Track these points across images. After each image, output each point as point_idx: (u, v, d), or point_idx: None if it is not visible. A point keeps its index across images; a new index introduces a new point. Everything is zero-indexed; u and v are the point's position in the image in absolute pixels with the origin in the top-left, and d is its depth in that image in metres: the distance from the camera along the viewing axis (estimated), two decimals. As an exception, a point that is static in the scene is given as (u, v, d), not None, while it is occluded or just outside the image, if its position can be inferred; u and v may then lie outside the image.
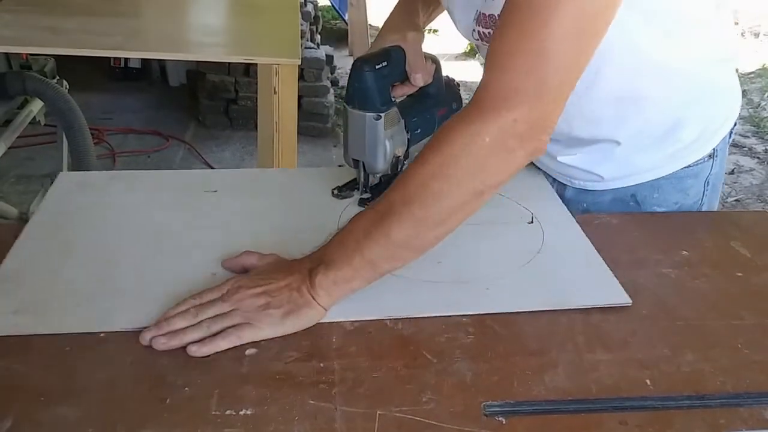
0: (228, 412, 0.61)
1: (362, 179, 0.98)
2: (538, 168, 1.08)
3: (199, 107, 3.65)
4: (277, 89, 1.53)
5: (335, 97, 3.88)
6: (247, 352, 0.69)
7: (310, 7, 4.17)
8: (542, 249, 0.88)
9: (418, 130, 0.99)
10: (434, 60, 0.99)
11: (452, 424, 0.61)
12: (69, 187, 0.98)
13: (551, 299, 0.78)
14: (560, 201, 1.01)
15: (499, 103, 0.68)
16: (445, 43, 5.27)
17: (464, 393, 0.65)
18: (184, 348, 0.68)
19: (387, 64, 0.91)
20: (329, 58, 3.88)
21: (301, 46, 3.46)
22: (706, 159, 0.98)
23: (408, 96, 1.00)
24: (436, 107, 1.02)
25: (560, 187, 1.06)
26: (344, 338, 0.71)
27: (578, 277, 0.82)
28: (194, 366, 0.67)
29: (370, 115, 0.92)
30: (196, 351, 0.68)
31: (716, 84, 0.96)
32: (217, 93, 3.58)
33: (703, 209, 1.02)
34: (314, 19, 4.24)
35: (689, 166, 0.97)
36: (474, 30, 0.92)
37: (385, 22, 1.03)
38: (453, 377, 0.67)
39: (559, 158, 1.01)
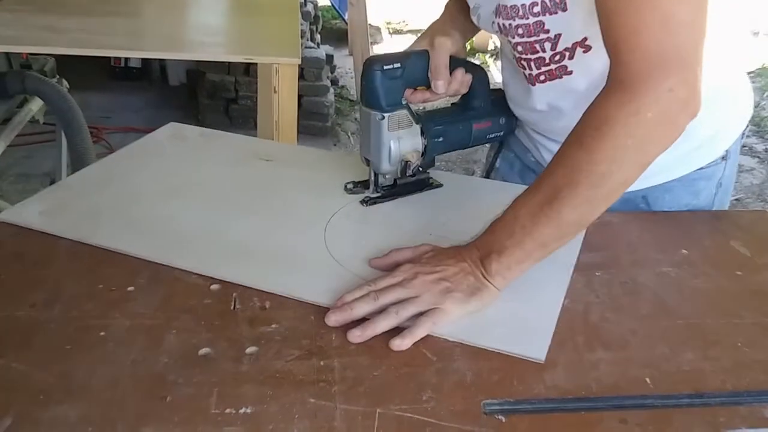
0: (228, 410, 0.61)
1: (372, 178, 0.98)
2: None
3: (199, 106, 3.65)
4: (277, 88, 1.53)
5: (335, 96, 3.89)
6: (248, 350, 0.69)
7: (310, 7, 4.17)
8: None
9: (440, 139, 0.97)
10: (474, 69, 0.97)
11: (452, 423, 0.61)
12: (166, 135, 1.18)
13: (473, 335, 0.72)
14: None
15: (648, 79, 0.70)
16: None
17: (464, 391, 0.65)
18: (184, 347, 0.68)
19: (401, 66, 0.91)
20: (329, 58, 3.88)
21: (301, 45, 3.46)
22: (719, 161, 0.98)
23: (453, 104, 1.00)
24: (475, 120, 1.00)
25: None
26: (344, 337, 0.71)
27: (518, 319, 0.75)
28: (194, 364, 0.67)
29: (374, 113, 0.92)
30: (399, 345, 0.69)
31: (730, 86, 0.96)
32: (217, 92, 3.58)
33: (714, 209, 1.02)
34: (314, 19, 4.24)
35: (702, 168, 0.97)
36: (494, 22, 0.92)
37: (428, 26, 1.02)
38: (453, 376, 0.67)
39: None
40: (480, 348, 0.70)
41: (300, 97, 3.32)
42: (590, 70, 0.87)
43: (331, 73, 4.09)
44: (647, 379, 0.68)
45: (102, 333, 0.70)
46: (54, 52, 2.02)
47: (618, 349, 0.72)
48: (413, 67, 0.93)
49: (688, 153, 0.96)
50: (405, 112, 0.93)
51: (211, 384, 0.64)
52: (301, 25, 3.62)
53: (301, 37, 3.56)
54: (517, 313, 0.75)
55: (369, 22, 4.28)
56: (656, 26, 0.69)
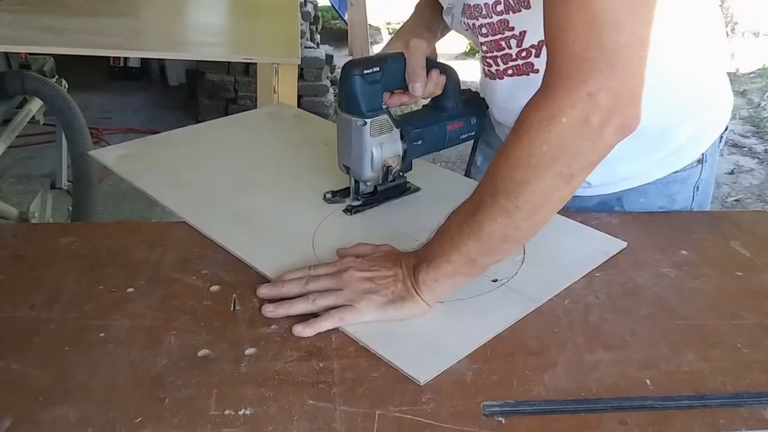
0: (227, 412, 0.61)
1: (352, 185, 0.96)
2: None
3: (198, 106, 3.65)
4: (276, 89, 1.53)
5: (335, 96, 3.88)
6: (247, 351, 0.69)
7: (309, 7, 4.17)
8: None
9: (419, 142, 0.96)
10: (447, 71, 0.97)
11: (452, 424, 0.61)
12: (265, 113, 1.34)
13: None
14: None
15: (566, 81, 0.65)
16: (444, 42, 5.28)
17: (464, 393, 0.65)
18: (184, 348, 0.68)
19: (380, 70, 0.89)
20: (329, 58, 3.88)
21: (301, 45, 3.46)
22: (694, 164, 0.98)
23: (424, 106, 1.00)
24: (448, 120, 0.99)
25: None
26: (343, 338, 0.71)
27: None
28: (193, 366, 0.67)
29: (355, 119, 0.90)
30: (301, 332, 0.71)
31: (706, 91, 0.96)
32: (216, 92, 3.58)
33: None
34: (314, 19, 4.24)
35: (677, 171, 0.97)
36: (462, 21, 0.92)
37: (399, 29, 1.02)
38: (452, 377, 0.67)
39: None
40: (481, 346, 0.70)
41: (299, 97, 3.32)
42: None
43: (331, 73, 4.08)
44: (647, 381, 0.68)
45: (101, 334, 0.70)
46: (53, 52, 2.02)
47: (618, 350, 0.71)
48: (391, 70, 0.91)
49: (663, 158, 0.96)
50: (386, 116, 0.92)
51: (211, 385, 0.64)
52: (301, 25, 3.62)
53: (301, 37, 3.56)
54: (430, 330, 0.73)
55: (369, 23, 4.28)
56: (583, 24, 0.63)
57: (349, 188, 0.97)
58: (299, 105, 2.74)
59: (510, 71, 0.92)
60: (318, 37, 4.42)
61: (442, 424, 0.61)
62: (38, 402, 0.61)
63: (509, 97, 0.94)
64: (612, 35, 0.64)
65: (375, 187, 0.97)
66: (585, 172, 0.68)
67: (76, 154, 1.97)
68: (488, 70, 0.95)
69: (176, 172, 1.05)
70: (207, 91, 3.58)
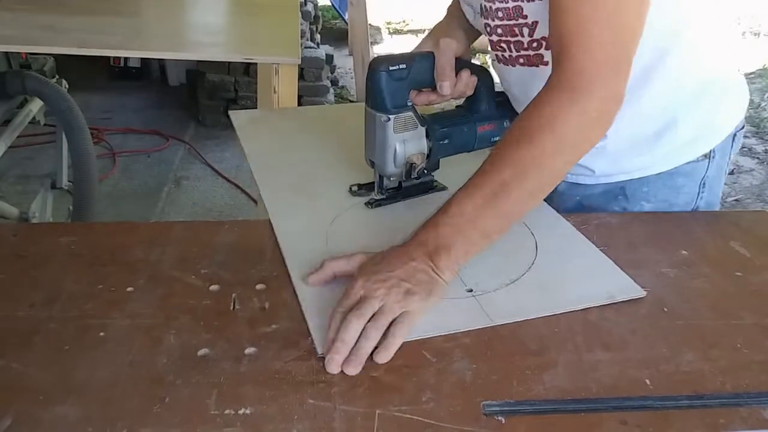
0: (227, 411, 0.61)
1: (377, 180, 0.97)
2: None
3: (198, 107, 3.65)
4: (276, 89, 1.53)
5: (335, 96, 3.88)
6: (247, 351, 0.69)
7: (310, 7, 4.17)
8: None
9: (446, 141, 0.97)
10: (479, 72, 0.96)
11: (452, 424, 0.61)
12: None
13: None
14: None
15: (595, 78, 0.75)
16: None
17: (464, 392, 0.65)
18: (183, 348, 0.68)
19: (406, 67, 0.90)
20: (329, 58, 3.88)
21: (301, 45, 3.46)
22: (700, 159, 0.98)
23: (457, 106, 1.00)
24: (479, 122, 0.99)
25: None
26: (344, 337, 0.71)
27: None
28: (193, 365, 0.67)
29: (379, 115, 0.91)
30: (383, 358, 0.68)
31: (715, 85, 0.96)
32: (216, 92, 3.58)
33: (700, 210, 1.02)
34: (314, 19, 4.24)
35: (681, 165, 0.98)
36: (481, 4, 0.93)
37: (432, 28, 1.02)
38: (452, 377, 0.67)
39: None
40: (481, 346, 0.70)
41: (300, 97, 3.32)
42: None
43: (331, 73, 4.09)
44: (647, 380, 0.68)
45: (101, 333, 0.70)
46: (54, 52, 2.02)
47: (617, 350, 0.72)
48: (419, 68, 0.92)
49: (668, 152, 0.96)
50: (410, 113, 0.93)
51: (211, 384, 0.64)
52: (301, 25, 3.62)
53: (301, 37, 3.56)
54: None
55: (369, 22, 4.28)
56: (606, 26, 0.74)
57: (372, 182, 0.98)
58: (299, 105, 2.74)
59: (522, 60, 0.93)
60: (318, 37, 4.42)
61: (442, 423, 0.61)
62: (38, 401, 0.61)
63: (521, 84, 0.96)
64: (630, 36, 0.76)
65: (399, 183, 0.97)
66: (584, 155, 0.81)
67: (77, 154, 1.97)
68: (501, 55, 0.96)
69: (282, 144, 1.08)
70: (207, 92, 3.58)
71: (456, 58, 0.94)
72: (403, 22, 5.80)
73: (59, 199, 2.22)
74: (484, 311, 0.76)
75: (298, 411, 0.62)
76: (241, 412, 0.61)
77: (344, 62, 4.63)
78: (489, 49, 0.98)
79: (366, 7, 4.11)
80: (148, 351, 0.68)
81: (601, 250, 0.88)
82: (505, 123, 1.01)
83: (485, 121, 0.99)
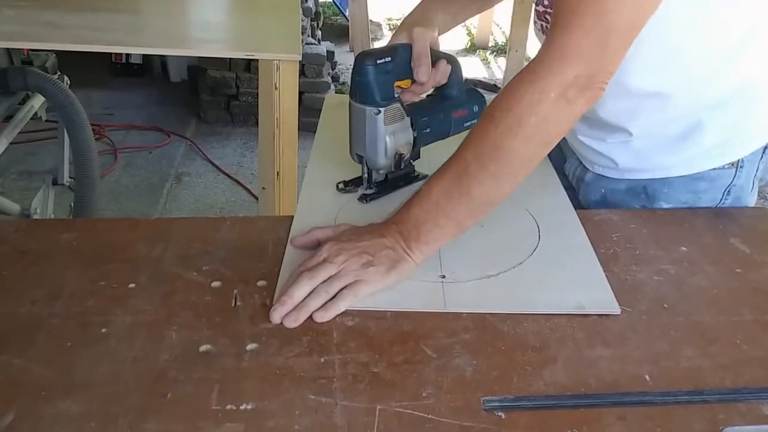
0: (229, 406, 0.62)
1: (366, 175, 0.98)
2: (562, 152, 1.12)
3: (200, 103, 3.65)
4: (278, 85, 1.53)
5: (336, 93, 3.88)
6: (248, 347, 0.69)
7: (310, 3, 4.16)
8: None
9: (428, 130, 0.98)
10: (451, 60, 0.98)
11: (452, 419, 0.61)
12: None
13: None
14: (564, 195, 1.00)
15: (563, 61, 0.74)
16: (444, 38, 5.26)
17: (464, 388, 0.65)
18: (185, 344, 0.69)
19: (391, 59, 0.91)
20: (330, 54, 3.87)
21: (302, 42, 3.46)
22: (726, 167, 0.97)
23: (428, 95, 1.01)
24: (453, 109, 1.01)
25: (582, 171, 1.08)
26: (345, 333, 0.71)
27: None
28: (195, 361, 0.67)
29: (369, 109, 0.92)
30: (322, 317, 0.73)
31: (746, 92, 0.94)
32: (218, 89, 3.57)
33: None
34: (315, 15, 4.23)
35: (705, 170, 0.97)
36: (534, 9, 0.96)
37: (402, 21, 1.03)
38: (453, 372, 0.67)
39: (579, 136, 1.04)
40: (481, 342, 0.71)
41: (301, 93, 3.32)
42: None
43: (332, 69, 4.08)
44: (646, 376, 0.68)
45: (103, 329, 0.70)
46: (55, 48, 2.02)
47: (617, 346, 0.72)
48: (400, 59, 0.93)
49: (693, 155, 0.96)
50: (398, 105, 0.94)
51: (212, 380, 0.65)
52: (302, 21, 3.62)
53: (302, 33, 3.55)
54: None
55: (370, 18, 4.27)
56: (591, 15, 0.73)
57: (360, 178, 0.99)
58: (300, 101, 2.74)
59: None
60: (319, 33, 4.42)
61: (443, 419, 0.61)
62: (41, 397, 0.62)
63: None
64: (614, 30, 0.73)
65: (386, 175, 0.99)
66: (558, 139, 0.78)
67: (78, 151, 1.97)
68: (546, 26, 0.98)
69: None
70: (208, 88, 3.58)
71: (431, 50, 0.95)
72: (404, 17, 5.79)
73: (61, 195, 2.22)
74: (443, 298, 0.77)
75: (300, 406, 0.62)
76: (242, 407, 0.62)
77: (345, 58, 4.63)
78: (533, 19, 1.02)
79: (367, 3, 4.11)
80: (150, 347, 0.68)
81: (601, 246, 0.88)
82: (474, 108, 1.03)
83: (459, 107, 1.02)
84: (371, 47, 4.20)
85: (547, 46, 0.76)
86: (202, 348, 0.69)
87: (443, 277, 0.80)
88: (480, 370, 0.67)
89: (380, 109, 0.92)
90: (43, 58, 2.18)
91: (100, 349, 0.68)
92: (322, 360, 0.68)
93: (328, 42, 4.11)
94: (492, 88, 1.07)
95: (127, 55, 3.96)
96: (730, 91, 0.93)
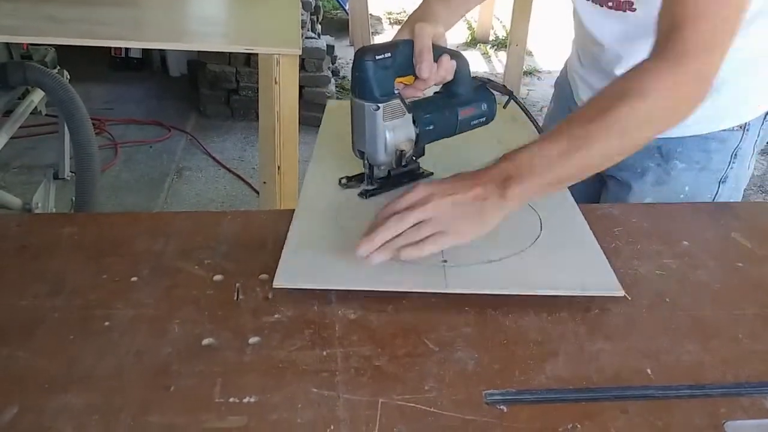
0: (231, 400, 0.62)
1: (367, 171, 0.98)
2: None
3: (200, 97, 3.64)
4: (278, 79, 1.53)
5: (336, 87, 3.88)
6: (251, 340, 0.69)
7: (311, -3, 4.15)
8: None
9: (431, 127, 0.97)
10: (456, 56, 0.97)
11: (454, 413, 0.62)
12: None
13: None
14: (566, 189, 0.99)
15: (700, 51, 0.78)
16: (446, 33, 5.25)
17: (466, 381, 0.65)
18: (188, 337, 0.69)
19: (391, 55, 0.91)
20: (330, 48, 3.87)
21: (302, 36, 3.45)
22: (735, 129, 1.02)
23: (435, 93, 1.00)
24: (459, 106, 0.99)
25: None
26: (347, 327, 0.72)
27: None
28: (198, 355, 0.67)
29: (368, 104, 0.91)
30: (408, 254, 0.74)
31: (760, 58, 0.99)
32: (218, 83, 3.57)
33: (728, 182, 1.06)
34: (315, 9, 4.23)
35: (716, 131, 1.02)
36: None
37: (407, 19, 1.04)
38: (455, 366, 0.67)
39: None
40: (483, 336, 0.71)
41: (301, 87, 3.32)
42: (649, 16, 0.88)
43: (332, 63, 4.08)
44: (648, 370, 0.68)
45: (106, 323, 0.71)
46: (55, 42, 2.01)
47: (619, 340, 0.72)
48: (401, 55, 0.92)
49: (706, 115, 0.96)
50: (398, 101, 0.93)
51: (215, 374, 0.65)
52: (302, 15, 3.61)
53: (302, 27, 3.55)
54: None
55: (370, 13, 4.27)
56: (717, 12, 0.77)
57: (363, 174, 0.99)
58: (300, 96, 2.74)
59: (610, 3, 0.98)
60: (319, 27, 4.41)
61: (445, 412, 0.62)
62: (44, 390, 0.62)
63: (599, 24, 1.04)
64: (738, 16, 0.79)
65: (389, 171, 0.98)
66: (677, 122, 0.83)
67: (78, 145, 1.97)
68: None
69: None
70: (208, 82, 3.58)
71: (434, 45, 0.94)
72: (404, 12, 5.77)
73: (61, 189, 2.22)
74: (445, 280, 0.77)
75: (302, 400, 0.62)
76: (245, 400, 0.62)
77: (345, 53, 4.62)
78: None
79: (367, -3, 4.10)
80: (153, 341, 0.68)
81: (602, 240, 0.88)
82: (482, 106, 1.01)
83: (465, 105, 1.00)
84: (372, 41, 4.20)
85: (680, 35, 0.78)
86: (205, 341, 0.69)
87: (444, 261, 0.81)
88: (482, 364, 0.68)
89: (379, 105, 0.91)
90: (42, 52, 2.18)
91: (102, 343, 0.68)
92: (325, 353, 0.68)
93: (328, 36, 4.11)
94: (501, 88, 1.04)
95: (127, 49, 3.96)
96: (749, 54, 0.96)
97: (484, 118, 1.03)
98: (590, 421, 0.62)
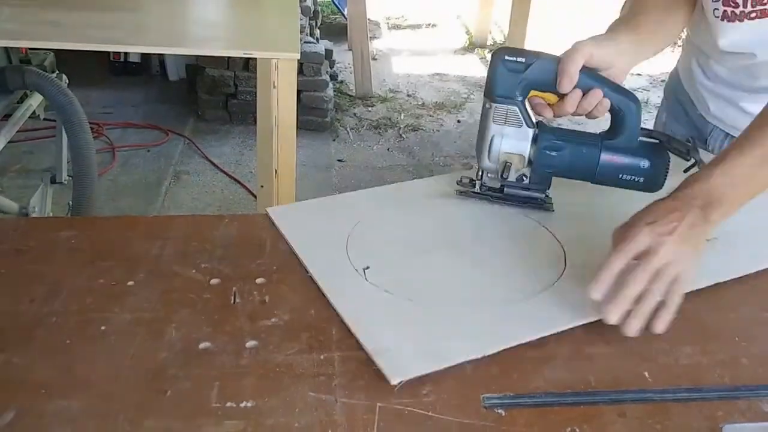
0: (228, 404, 0.62)
1: (478, 173, 0.95)
2: (707, 122, 1.17)
3: (198, 101, 3.64)
4: (276, 84, 1.53)
5: (334, 91, 3.88)
6: (248, 344, 0.69)
7: (309, 2, 4.16)
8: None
9: (554, 153, 0.90)
10: (625, 99, 0.88)
11: (452, 417, 0.62)
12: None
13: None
14: None
15: None
16: (443, 37, 5.26)
17: (464, 385, 0.65)
18: (184, 341, 0.69)
19: (524, 62, 0.87)
20: (328, 53, 3.87)
21: (301, 40, 3.45)
22: None
23: (606, 131, 0.92)
24: (607, 151, 0.90)
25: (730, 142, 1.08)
26: (344, 330, 0.71)
27: None
28: (195, 358, 0.67)
29: (485, 99, 0.91)
30: (662, 328, 0.71)
31: None
32: (216, 87, 3.57)
33: None
34: (313, 14, 4.23)
35: None
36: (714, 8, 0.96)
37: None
38: (453, 369, 0.67)
39: (742, 103, 1.07)
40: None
41: (299, 92, 3.32)
42: None
43: (331, 68, 4.08)
44: (646, 373, 0.68)
45: (102, 327, 0.70)
46: (54, 47, 2.01)
47: (617, 344, 0.72)
48: (539, 67, 0.87)
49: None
50: (516, 108, 0.89)
51: (212, 378, 0.64)
52: (301, 20, 3.61)
53: (301, 32, 3.55)
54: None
55: (368, 17, 4.27)
56: None
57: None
58: (299, 100, 2.74)
59: (753, 14, 0.95)
60: (317, 31, 4.41)
61: (443, 416, 0.61)
62: (40, 395, 0.62)
63: (740, 40, 1.01)
64: None
65: (502, 186, 0.94)
66: None
67: (76, 149, 1.97)
68: (731, 12, 0.97)
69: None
70: (207, 86, 3.58)
71: (596, 75, 0.88)
72: (402, 17, 5.78)
73: (59, 193, 2.22)
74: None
75: (300, 404, 0.62)
76: (242, 405, 0.62)
77: (343, 57, 4.62)
78: (713, 6, 1.00)
79: (365, 2, 4.10)
80: (150, 345, 0.68)
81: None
82: (642, 163, 0.89)
83: (615, 152, 0.90)
84: (370, 46, 4.20)
85: None
86: (202, 345, 0.69)
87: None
88: (480, 368, 0.67)
89: (492, 104, 0.89)
90: (41, 56, 2.18)
91: (99, 347, 0.68)
92: (322, 357, 0.68)
93: (327, 40, 4.11)
94: (684, 151, 0.92)
95: (126, 53, 3.96)
96: None
97: (641, 179, 0.90)
98: (588, 425, 0.62)
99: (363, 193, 1.01)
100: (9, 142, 1.92)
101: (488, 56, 5.03)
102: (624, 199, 0.75)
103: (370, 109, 3.94)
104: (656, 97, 4.13)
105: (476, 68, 4.73)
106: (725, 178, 0.77)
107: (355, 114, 3.86)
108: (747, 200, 0.79)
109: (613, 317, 0.70)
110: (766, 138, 0.79)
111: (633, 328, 0.70)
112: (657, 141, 0.92)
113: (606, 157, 0.90)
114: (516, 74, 0.88)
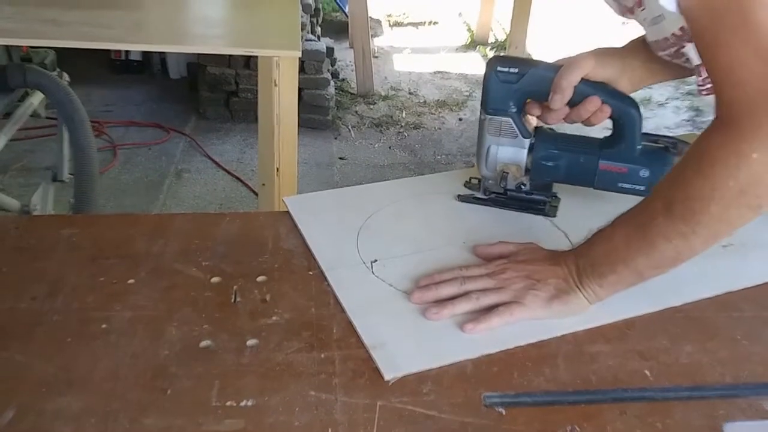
0: (229, 403, 0.62)
1: (481, 180, 0.97)
2: None
3: (199, 100, 3.64)
4: (277, 82, 1.52)
5: (336, 89, 3.88)
6: (248, 342, 0.69)
7: (310, -1, 4.16)
8: None
9: (551, 163, 0.90)
10: (625, 107, 0.85)
11: (452, 415, 0.62)
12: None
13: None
14: None
15: (753, 116, 0.64)
16: (445, 35, 5.26)
17: (464, 384, 0.65)
18: (185, 339, 0.69)
19: (517, 72, 0.86)
20: (330, 51, 3.87)
21: (302, 38, 3.45)
22: None
23: (606, 138, 0.90)
24: (605, 159, 0.88)
25: None
26: (345, 329, 0.71)
27: None
28: (195, 357, 0.67)
29: (480, 110, 0.91)
30: (472, 329, 0.71)
31: None
32: (217, 85, 3.57)
33: None
34: (315, 12, 4.23)
35: None
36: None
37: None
38: (453, 368, 0.67)
39: None
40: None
41: (300, 90, 3.32)
42: None
43: (332, 66, 4.07)
44: (647, 372, 0.68)
45: (103, 325, 0.70)
46: (55, 45, 2.01)
47: (617, 342, 0.72)
48: (533, 77, 0.86)
49: None
50: (510, 120, 0.89)
51: (212, 376, 0.65)
52: (302, 17, 3.61)
53: (302, 29, 3.55)
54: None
55: (369, 15, 4.27)
56: (751, 60, 0.63)
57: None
58: (300, 98, 2.74)
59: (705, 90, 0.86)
60: (319, 29, 4.41)
61: (443, 415, 0.61)
62: (41, 393, 0.62)
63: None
64: None
65: (505, 191, 0.95)
66: (759, 208, 0.67)
67: (78, 147, 1.97)
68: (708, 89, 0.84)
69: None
70: (208, 84, 3.58)
71: (597, 84, 0.85)
72: (404, 14, 5.77)
73: (60, 191, 2.22)
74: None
75: (300, 403, 0.62)
76: (242, 404, 0.62)
77: (345, 55, 4.62)
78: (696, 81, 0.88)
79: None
80: (150, 343, 0.68)
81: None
82: (641, 172, 0.87)
83: (614, 160, 0.88)
84: (371, 44, 4.20)
85: (728, 108, 0.66)
86: (202, 344, 0.69)
87: None
88: (480, 367, 0.67)
89: (486, 116, 0.90)
90: (42, 55, 2.18)
91: (100, 345, 0.68)
92: (323, 356, 0.68)
93: (328, 38, 4.11)
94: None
95: (127, 51, 3.96)
96: None
97: (642, 187, 0.88)
98: (589, 423, 0.62)
99: (379, 185, 1.03)
100: (10, 140, 1.92)
101: (490, 54, 5.03)
102: (632, 201, 0.74)
103: (371, 107, 3.94)
104: (659, 95, 4.12)
105: (478, 66, 4.72)
106: (602, 247, 0.74)
107: (356, 112, 3.86)
108: (628, 279, 0.73)
109: (414, 296, 0.75)
110: (641, 209, 0.72)
111: (431, 313, 0.73)
112: (661, 147, 0.89)
113: (605, 165, 0.88)
114: (509, 85, 0.87)
